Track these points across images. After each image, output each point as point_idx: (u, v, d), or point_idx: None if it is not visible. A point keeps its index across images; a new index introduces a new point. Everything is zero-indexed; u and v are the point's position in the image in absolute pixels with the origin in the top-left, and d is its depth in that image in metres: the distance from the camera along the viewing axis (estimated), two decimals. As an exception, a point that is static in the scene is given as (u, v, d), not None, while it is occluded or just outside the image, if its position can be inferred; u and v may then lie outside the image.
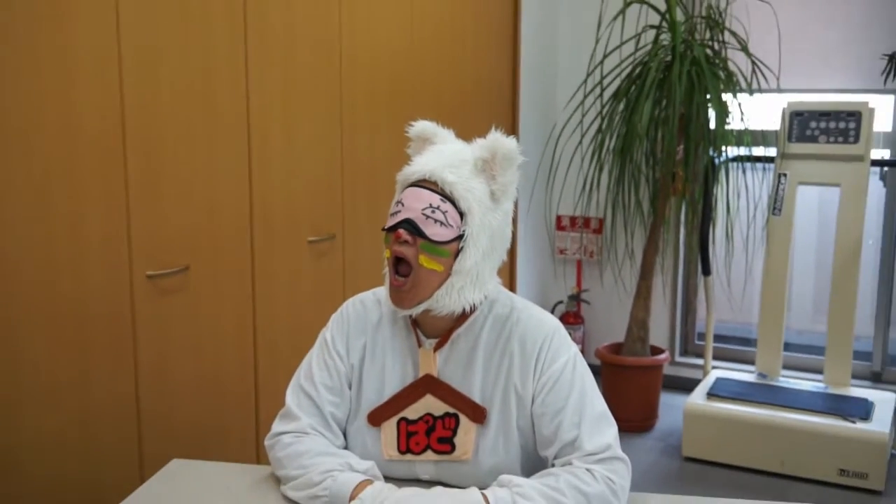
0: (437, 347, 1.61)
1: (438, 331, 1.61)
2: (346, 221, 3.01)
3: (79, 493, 2.08)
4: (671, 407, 4.33)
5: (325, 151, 2.91)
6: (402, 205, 1.53)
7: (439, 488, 1.49)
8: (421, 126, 1.64)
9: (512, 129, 4.31)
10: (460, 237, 1.52)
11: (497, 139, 1.54)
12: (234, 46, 2.47)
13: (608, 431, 1.55)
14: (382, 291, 1.67)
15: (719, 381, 3.93)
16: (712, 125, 3.92)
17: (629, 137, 3.96)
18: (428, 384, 1.60)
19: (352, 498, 1.47)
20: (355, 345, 1.66)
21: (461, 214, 1.52)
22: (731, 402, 3.72)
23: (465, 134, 1.68)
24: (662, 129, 3.98)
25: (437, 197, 1.51)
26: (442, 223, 1.50)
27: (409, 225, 1.51)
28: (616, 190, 4.11)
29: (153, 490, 1.64)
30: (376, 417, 1.61)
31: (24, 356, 1.95)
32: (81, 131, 2.03)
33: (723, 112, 3.89)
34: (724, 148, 3.96)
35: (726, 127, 3.92)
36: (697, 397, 3.80)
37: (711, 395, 3.78)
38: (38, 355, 1.98)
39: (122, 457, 2.20)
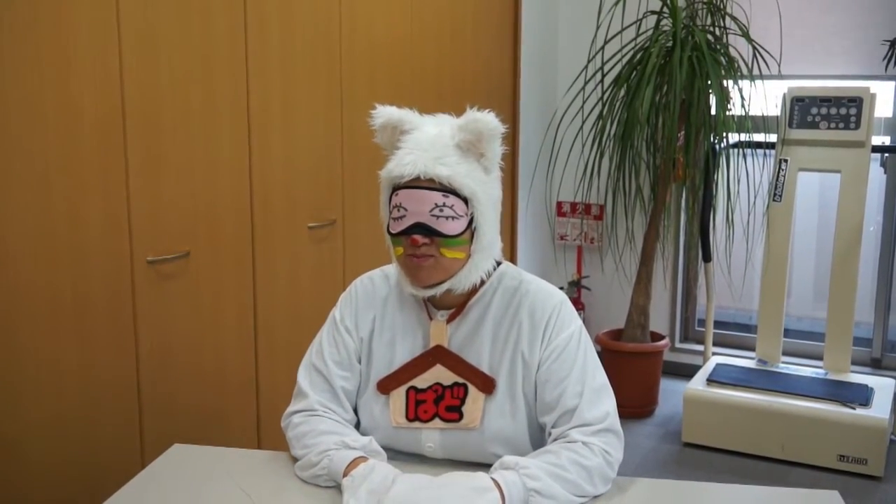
0: (451, 319, 1.63)
1: (450, 302, 1.64)
2: (346, 207, 3.01)
3: (80, 478, 2.09)
4: (671, 393, 4.34)
5: (326, 137, 2.90)
6: (405, 209, 1.53)
7: (448, 475, 1.49)
8: (385, 114, 1.60)
9: (512, 115, 4.29)
10: (472, 220, 1.54)
11: (477, 120, 1.52)
12: (233, 31, 2.46)
13: (608, 401, 1.59)
14: (391, 268, 1.70)
15: (719, 368, 3.94)
16: (713, 111, 3.91)
17: (630, 123, 3.95)
18: (438, 354, 1.63)
19: (345, 475, 1.49)
20: (364, 319, 1.68)
21: (465, 199, 1.53)
22: (730, 388, 3.72)
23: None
24: (663, 115, 3.97)
25: (438, 194, 1.51)
26: (452, 217, 1.52)
27: (422, 229, 1.52)
28: (617, 176, 4.10)
29: (154, 475, 1.65)
30: (385, 385, 1.64)
31: (25, 343, 1.95)
32: (81, 116, 2.03)
33: (724, 98, 3.87)
34: (724, 134, 3.94)
35: (727, 113, 3.90)
36: (697, 383, 3.80)
37: (711, 381, 3.78)
38: (39, 342, 1.98)
39: (123, 442, 2.21)
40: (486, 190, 1.55)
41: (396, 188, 1.55)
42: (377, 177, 1.59)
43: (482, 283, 1.63)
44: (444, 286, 1.58)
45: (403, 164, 1.53)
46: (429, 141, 1.54)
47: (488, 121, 1.52)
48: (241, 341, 2.59)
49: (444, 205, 1.51)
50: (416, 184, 1.52)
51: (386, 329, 1.68)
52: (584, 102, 4.21)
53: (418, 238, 1.52)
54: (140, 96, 2.17)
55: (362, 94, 3.03)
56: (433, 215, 1.51)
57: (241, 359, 2.60)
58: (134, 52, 2.15)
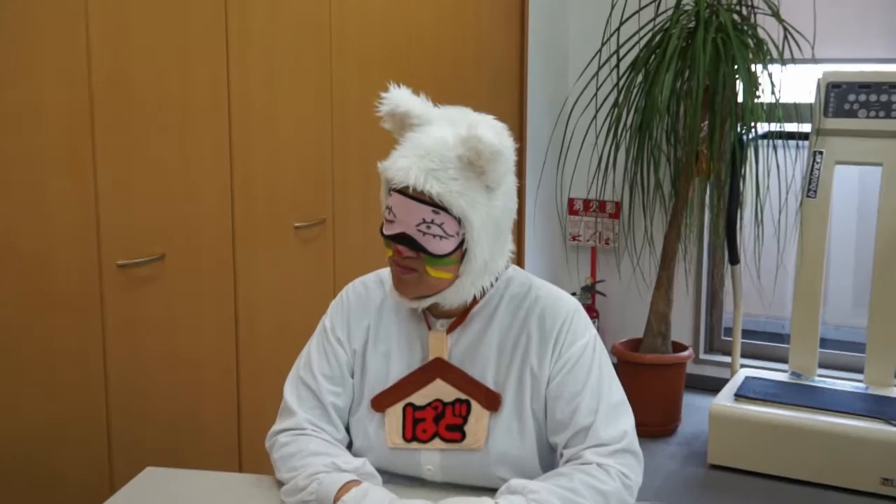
0: (451, 329, 1.64)
1: (451, 311, 1.64)
2: (336, 205, 3.01)
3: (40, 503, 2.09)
4: (695, 409, 4.34)
5: (314, 129, 2.90)
6: (394, 214, 1.54)
7: (448, 500, 1.49)
8: (392, 102, 1.59)
9: (519, 104, 4.30)
10: (463, 240, 1.53)
11: (475, 138, 1.47)
12: (212, 16, 2.46)
13: (625, 419, 1.59)
14: (386, 272, 1.70)
15: (748, 381, 3.94)
16: (740, 98, 3.91)
17: (648, 112, 3.95)
18: (438, 368, 1.62)
19: (336, 500, 1.48)
20: (357, 329, 1.69)
21: (458, 219, 1.52)
22: (761, 403, 3.72)
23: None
24: (685, 103, 3.97)
25: (428, 209, 1.51)
26: (440, 237, 1.51)
27: (408, 241, 1.53)
28: (634, 170, 4.10)
29: (124, 501, 1.64)
30: (381, 402, 1.64)
31: (-17, 354, 1.95)
32: (45, 108, 2.03)
33: (752, 84, 3.87)
34: (753, 124, 3.95)
35: (756, 100, 3.91)
36: (724, 398, 3.80)
37: (740, 396, 3.78)
38: (-2, 353, 1.98)
39: (89, 463, 2.20)
40: (483, 211, 1.53)
41: (391, 188, 1.55)
42: (373, 170, 1.59)
43: (485, 291, 1.63)
44: (429, 300, 1.59)
45: (396, 167, 1.52)
46: (429, 147, 1.52)
47: (486, 140, 1.47)
48: (222, 353, 2.59)
49: (432, 221, 1.51)
50: (408, 192, 1.52)
51: (381, 340, 1.68)
52: (597, 89, 4.21)
53: (403, 250, 1.53)
54: (110, 86, 2.17)
55: (354, 84, 3.03)
56: (420, 230, 1.52)
57: (221, 372, 2.60)
58: (103, 38, 2.14)
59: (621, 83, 4.11)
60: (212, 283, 2.53)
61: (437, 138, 1.53)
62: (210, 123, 2.49)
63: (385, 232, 1.57)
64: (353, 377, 1.68)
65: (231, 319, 2.61)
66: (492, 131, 1.50)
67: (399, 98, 1.59)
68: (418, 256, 1.53)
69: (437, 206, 1.50)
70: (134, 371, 2.30)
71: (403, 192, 1.52)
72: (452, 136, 1.52)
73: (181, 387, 2.45)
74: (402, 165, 1.52)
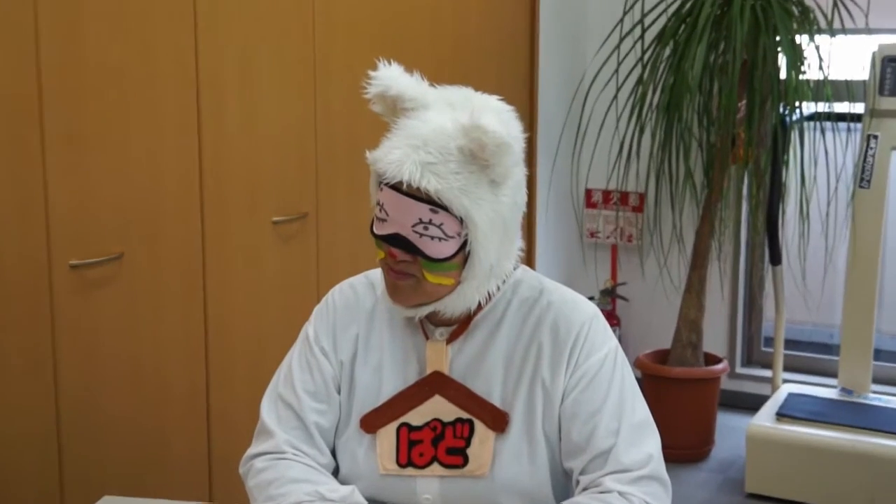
0: (452, 339, 1.64)
1: (452, 319, 1.64)
2: (320, 197, 3.01)
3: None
4: (731, 430, 4.34)
5: (295, 111, 2.91)
6: (386, 212, 1.53)
7: None
8: (383, 83, 1.57)
9: (529, 83, 4.30)
10: (466, 241, 1.53)
11: (478, 128, 1.46)
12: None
13: (650, 441, 1.59)
14: (377, 274, 1.70)
15: (792, 398, 3.94)
16: (783, 74, 3.91)
17: (677, 91, 3.95)
18: (437, 383, 1.62)
19: None
20: (344, 338, 1.69)
21: (459, 218, 1.52)
22: (806, 424, 3.72)
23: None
24: (720, 80, 3.97)
25: (425, 207, 1.50)
26: (440, 238, 1.51)
27: (402, 243, 1.52)
28: (661, 157, 4.10)
29: (80, 533, 1.65)
30: (371, 422, 1.64)
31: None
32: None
33: (796, 58, 3.88)
34: (797, 103, 3.95)
35: (801, 77, 3.91)
36: (764, 418, 3.80)
37: (781, 415, 3.78)
38: (-65, 365, 1.99)
39: (39, 493, 2.21)
40: (489, 208, 1.52)
41: (382, 182, 1.55)
42: (363, 157, 1.58)
43: (491, 296, 1.63)
44: (427, 308, 1.59)
45: (388, 160, 1.51)
46: (426, 136, 1.51)
47: (490, 131, 1.46)
48: (189, 364, 2.60)
49: (430, 222, 1.51)
50: (401, 188, 1.51)
51: (372, 350, 1.68)
52: (619, 65, 4.21)
53: (397, 253, 1.53)
54: (61, 61, 2.18)
55: (341, 63, 3.04)
56: (416, 231, 1.51)
57: (189, 386, 2.60)
58: (51, 4, 2.15)
59: (646, 57, 4.11)
60: (178, 285, 2.54)
61: (435, 126, 1.52)
62: (175, 105, 2.50)
63: (376, 231, 1.56)
64: (339, 393, 1.68)
65: (200, 326, 2.62)
66: (497, 119, 1.49)
67: (390, 78, 1.58)
68: (414, 260, 1.53)
69: (436, 204, 1.50)
70: (89, 386, 2.31)
71: (397, 188, 1.51)
72: (452, 124, 1.51)
73: (143, 403, 2.46)
74: (395, 158, 1.50)
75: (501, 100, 1.59)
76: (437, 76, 1.66)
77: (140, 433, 2.45)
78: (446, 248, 1.52)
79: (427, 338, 1.65)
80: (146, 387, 2.46)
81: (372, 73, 1.58)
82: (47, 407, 2.22)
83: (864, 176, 3.93)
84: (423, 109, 1.56)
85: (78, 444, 2.28)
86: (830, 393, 4.00)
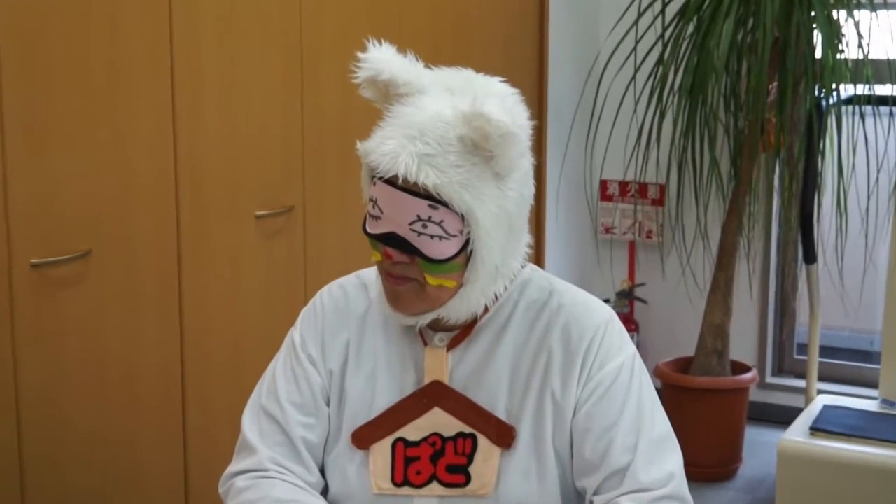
0: (453, 345, 1.64)
1: (454, 325, 1.64)
2: (307, 189, 3.01)
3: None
4: (760, 446, 4.34)
5: (280, 96, 2.91)
6: (380, 209, 1.53)
7: None
8: (374, 66, 1.56)
9: (538, 63, 4.29)
10: (468, 240, 1.53)
11: (480, 116, 1.45)
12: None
13: (672, 458, 1.59)
14: (370, 274, 1.70)
15: (828, 411, 3.93)
16: (818, 53, 3.91)
17: (702, 71, 3.95)
18: (436, 394, 1.62)
19: None
20: (334, 344, 1.69)
21: (461, 215, 1.51)
22: (843, 439, 3.71)
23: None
24: (748, 60, 3.97)
25: (423, 203, 1.50)
26: (440, 237, 1.51)
27: (399, 243, 1.52)
28: (683, 145, 4.10)
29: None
30: (364, 437, 1.63)
31: None
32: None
33: (833, 35, 3.87)
34: (834, 85, 3.95)
35: (838, 56, 3.91)
36: (797, 433, 3.80)
37: (816, 429, 3.78)
38: None
39: (-2, 514, 2.21)
40: (493, 204, 1.52)
41: (375, 176, 1.54)
42: (351, 148, 1.58)
43: (496, 296, 1.63)
44: (430, 315, 1.59)
45: (381, 151, 1.51)
46: (422, 125, 1.51)
47: (494, 119, 1.45)
48: (163, 372, 2.60)
49: (429, 219, 1.50)
50: (397, 183, 1.51)
51: (364, 358, 1.68)
52: (636, 43, 4.21)
53: (393, 254, 1.53)
54: (18, 38, 2.17)
55: (331, 42, 3.04)
56: (413, 230, 1.51)
57: (162, 396, 2.60)
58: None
59: (667, 34, 4.11)
60: (151, 285, 2.54)
61: (433, 114, 1.52)
62: (148, 89, 2.50)
63: (369, 230, 1.56)
64: (328, 405, 1.68)
65: (175, 331, 2.62)
66: (501, 105, 1.48)
67: (380, 60, 1.57)
68: (412, 261, 1.53)
69: (435, 199, 1.49)
70: (53, 394, 2.30)
71: (391, 182, 1.51)
72: (452, 111, 1.51)
73: (112, 415, 2.46)
74: (389, 150, 1.50)
75: (505, 82, 1.59)
76: (436, 57, 1.67)
77: (109, 448, 2.45)
78: (447, 248, 1.52)
79: (425, 344, 1.65)
80: (116, 397, 2.46)
81: (361, 56, 1.57)
82: (7, 419, 2.22)
83: (908, 166, 3.94)
84: (419, 95, 1.55)
85: (40, 460, 2.28)
86: (870, 405, 3.99)
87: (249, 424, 1.68)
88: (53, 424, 2.31)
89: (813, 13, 3.87)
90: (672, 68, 4.08)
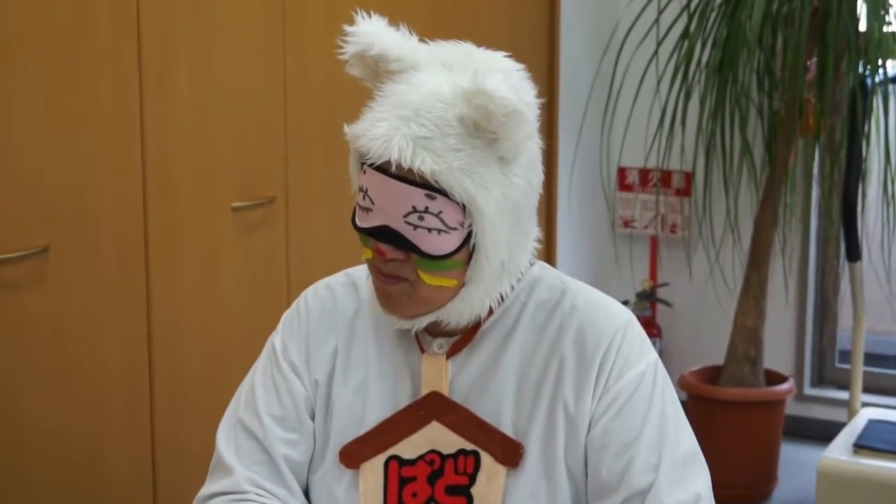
0: (453, 352, 1.64)
1: (455, 329, 1.64)
2: (290, 178, 3.02)
3: None
4: (798, 465, 4.36)
5: (260, 74, 2.92)
6: (371, 200, 1.52)
7: None
8: (363, 40, 1.55)
9: (549, 38, 4.30)
10: (470, 233, 1.53)
11: (482, 92, 1.44)
12: None
13: (698, 479, 1.59)
14: (360, 272, 1.70)
15: (873, 426, 3.95)
16: (862, 26, 3.92)
17: (732, 46, 3.96)
18: (434, 407, 1.63)
19: None
20: (320, 352, 1.69)
21: (462, 205, 1.51)
22: (890, 457, 3.73)
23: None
24: (784, 33, 3.98)
25: (420, 193, 1.49)
26: (438, 230, 1.50)
27: (392, 237, 1.52)
28: (711, 128, 4.11)
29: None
30: (353, 455, 1.64)
31: None
32: None
33: (879, 5, 3.88)
34: (880, 62, 3.96)
35: (885, 29, 3.92)
36: (839, 450, 3.81)
37: (860, 446, 3.79)
38: None
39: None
40: (497, 192, 1.52)
41: (365, 163, 1.54)
42: (340, 135, 1.58)
43: (502, 298, 1.63)
44: (427, 318, 1.59)
45: (372, 135, 1.50)
46: (417, 105, 1.50)
47: (504, 98, 1.44)
48: (129, 377, 2.61)
49: (426, 210, 1.49)
50: (390, 170, 1.50)
51: (354, 366, 1.68)
52: (659, 13, 4.22)
53: (385, 250, 1.52)
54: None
55: (316, 16, 3.05)
56: (409, 223, 1.50)
57: (128, 409, 2.61)
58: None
59: (693, 4, 4.12)
60: (115, 283, 2.55)
61: (429, 92, 1.51)
62: (112, 64, 2.50)
63: (359, 223, 1.56)
64: (313, 419, 1.69)
65: (142, 332, 2.63)
66: (505, 81, 1.47)
67: (370, 34, 1.56)
68: (408, 259, 1.53)
69: (432, 188, 1.49)
70: (9, 401, 2.32)
71: (384, 169, 1.50)
72: (450, 88, 1.51)
73: (74, 422, 2.47)
74: (381, 133, 1.49)
75: (509, 57, 1.58)
76: (435, 30, 1.66)
77: (70, 457, 2.46)
78: (447, 243, 1.51)
79: (422, 351, 1.65)
80: (78, 403, 2.47)
81: (349, 29, 1.57)
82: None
83: (963, 151, 3.95)
84: (413, 71, 1.55)
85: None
86: (920, 419, 4.02)
87: (225, 441, 1.68)
88: (11, 432, 2.31)
89: (857, -20, 3.89)
90: (699, 42, 4.09)
